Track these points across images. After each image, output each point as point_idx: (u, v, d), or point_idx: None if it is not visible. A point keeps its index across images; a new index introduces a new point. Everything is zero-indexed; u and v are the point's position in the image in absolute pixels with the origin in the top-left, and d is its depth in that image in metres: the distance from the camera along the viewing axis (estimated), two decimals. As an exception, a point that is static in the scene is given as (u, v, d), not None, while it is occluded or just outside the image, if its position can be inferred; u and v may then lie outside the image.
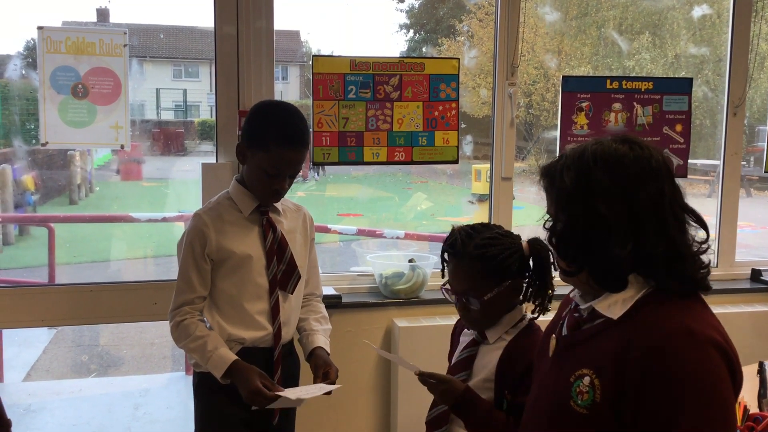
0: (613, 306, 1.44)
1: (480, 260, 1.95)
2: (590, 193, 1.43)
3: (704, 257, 1.47)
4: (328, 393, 2.14)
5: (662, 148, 3.35)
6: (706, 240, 1.48)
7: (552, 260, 1.97)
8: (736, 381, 1.37)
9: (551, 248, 1.57)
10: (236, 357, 2.16)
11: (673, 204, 1.44)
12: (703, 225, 1.48)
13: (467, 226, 2.06)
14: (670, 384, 1.31)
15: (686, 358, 1.32)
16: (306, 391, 2.16)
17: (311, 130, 3.13)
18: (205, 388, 2.27)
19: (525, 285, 2.03)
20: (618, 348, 1.38)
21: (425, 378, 1.97)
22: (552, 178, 1.51)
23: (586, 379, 1.42)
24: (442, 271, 2.07)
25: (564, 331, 1.58)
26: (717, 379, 1.32)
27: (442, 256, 2.07)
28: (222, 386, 2.16)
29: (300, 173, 2.31)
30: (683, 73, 11.56)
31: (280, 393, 2.08)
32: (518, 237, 2.03)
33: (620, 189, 1.42)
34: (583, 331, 1.52)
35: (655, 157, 1.45)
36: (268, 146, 2.16)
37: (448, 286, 2.06)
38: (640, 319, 1.40)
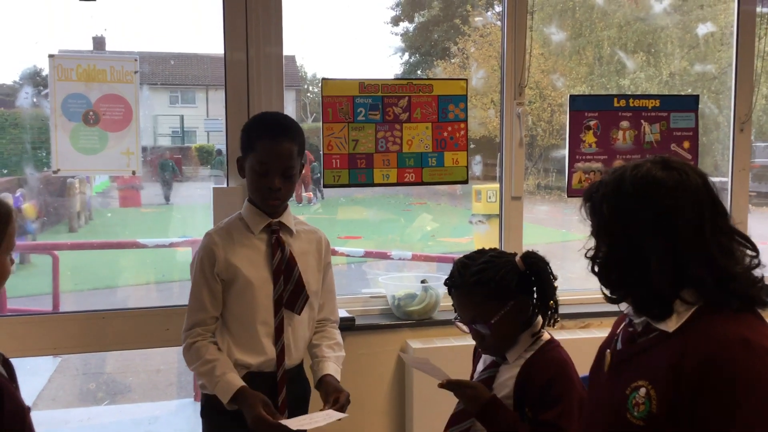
0: (668, 320, 1.45)
1: (478, 286, 1.97)
2: (629, 227, 1.45)
3: (757, 272, 1.47)
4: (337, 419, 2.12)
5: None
6: (757, 255, 1.48)
7: (550, 271, 2.00)
8: None
9: (595, 275, 1.56)
10: (243, 384, 2.16)
11: (715, 230, 1.44)
12: (751, 244, 1.49)
13: (464, 256, 2.08)
14: (725, 392, 1.32)
15: (742, 366, 1.33)
16: (312, 419, 2.14)
17: (321, 152, 3.13)
18: (212, 409, 2.26)
19: (531, 301, 2.03)
20: (673, 359, 1.39)
21: (451, 386, 1.98)
22: (593, 204, 1.54)
23: (642, 391, 1.43)
24: (454, 306, 2.09)
25: (619, 346, 1.59)
26: None
27: (449, 291, 2.09)
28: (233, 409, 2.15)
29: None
30: (688, 91, 11.63)
31: (283, 421, 2.06)
32: (513, 255, 2.04)
33: (659, 223, 1.43)
34: (638, 344, 1.52)
35: (693, 181, 1.45)
36: (254, 145, 2.22)
37: (459, 320, 2.08)
38: (695, 330, 1.41)
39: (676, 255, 1.42)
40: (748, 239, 1.49)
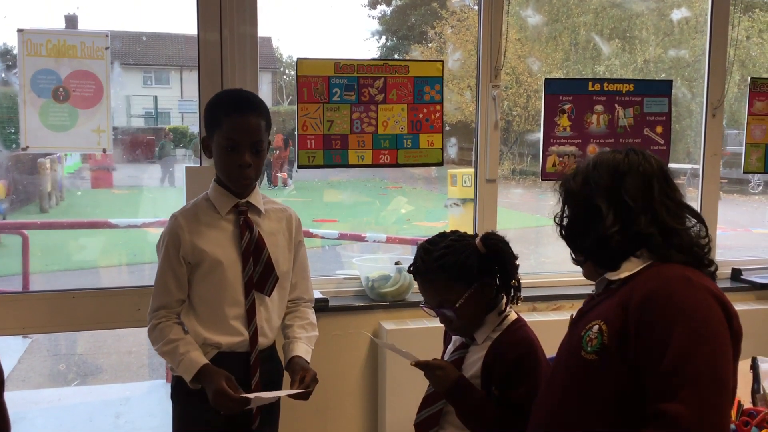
0: (621, 273, 1.62)
1: (441, 272, 2.00)
2: (589, 190, 1.67)
3: (705, 244, 1.64)
4: (303, 398, 2.12)
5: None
6: (706, 230, 1.66)
7: (510, 251, 2.06)
8: (733, 328, 1.49)
9: (562, 239, 1.76)
10: (207, 361, 2.13)
11: (664, 198, 1.63)
12: (699, 218, 1.67)
13: (425, 241, 2.11)
14: (664, 314, 1.47)
15: (681, 296, 1.48)
16: (273, 394, 2.15)
17: (296, 133, 3.11)
18: (182, 391, 2.22)
19: (494, 281, 2.06)
20: (623, 298, 1.55)
21: (421, 366, 2.02)
22: (566, 185, 1.75)
23: (595, 328, 1.57)
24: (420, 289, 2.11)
25: (581, 308, 1.76)
26: (710, 315, 1.46)
27: (414, 277, 2.12)
28: (201, 390, 2.12)
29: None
30: (662, 77, 11.70)
31: (244, 395, 2.04)
32: (473, 237, 2.07)
33: (612, 182, 1.65)
34: (593, 301, 1.70)
35: (648, 160, 1.67)
36: (220, 122, 2.15)
37: (425, 304, 2.10)
38: (642, 276, 1.58)
39: (626, 212, 1.61)
40: (696, 212, 1.67)
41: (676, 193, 1.66)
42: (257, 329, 2.23)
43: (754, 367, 2.37)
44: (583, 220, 1.68)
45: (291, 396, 2.11)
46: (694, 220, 1.66)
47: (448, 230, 2.15)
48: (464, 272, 1.99)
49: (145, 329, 2.27)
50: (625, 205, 1.61)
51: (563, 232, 1.75)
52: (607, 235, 1.61)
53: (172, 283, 2.20)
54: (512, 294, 2.05)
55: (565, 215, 1.74)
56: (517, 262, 2.06)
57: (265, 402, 2.14)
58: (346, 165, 3.19)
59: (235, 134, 2.14)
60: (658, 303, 1.47)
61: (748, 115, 3.76)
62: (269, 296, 2.26)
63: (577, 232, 1.72)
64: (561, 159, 3.44)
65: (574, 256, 1.76)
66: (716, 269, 1.65)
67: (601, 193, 1.64)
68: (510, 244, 2.07)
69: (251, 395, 2.05)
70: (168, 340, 2.17)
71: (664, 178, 1.65)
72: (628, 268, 1.61)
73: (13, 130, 3.08)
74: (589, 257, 1.71)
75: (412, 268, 2.10)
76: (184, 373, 2.13)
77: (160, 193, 11.03)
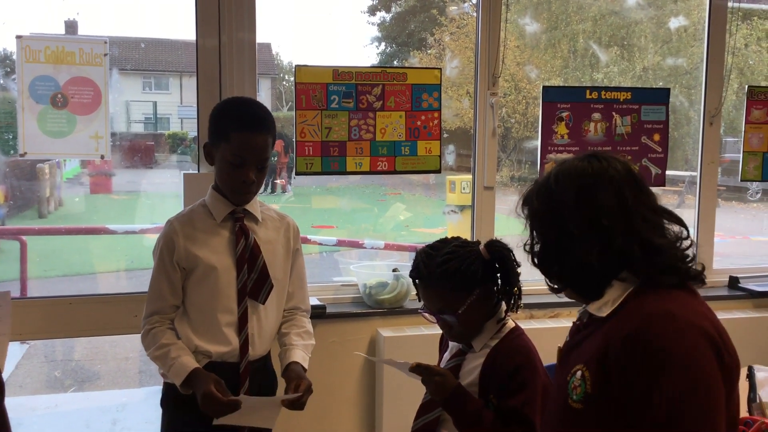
0: (604, 306, 1.50)
1: (444, 278, 1.98)
2: (555, 211, 1.52)
3: (689, 252, 1.52)
4: (297, 408, 2.10)
5: (630, 158, 3.41)
6: (687, 236, 1.53)
7: (514, 258, 2.02)
8: (724, 363, 1.38)
9: (535, 267, 1.62)
10: (197, 365, 2.12)
11: (639, 206, 1.48)
12: (679, 221, 1.54)
13: (426, 246, 2.09)
14: (647, 362, 1.34)
15: (663, 338, 1.35)
16: (262, 399, 2.14)
17: (294, 140, 3.12)
18: (171, 399, 2.23)
19: (495, 288, 2.05)
20: (604, 339, 1.44)
21: (420, 369, 1.99)
22: (528, 204, 1.60)
23: (578, 374, 1.47)
24: (417, 295, 2.10)
25: (567, 338, 1.65)
26: (695, 355, 1.34)
27: (413, 282, 2.10)
28: (189, 398, 2.11)
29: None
30: (660, 85, 11.73)
31: (235, 398, 2.02)
32: (477, 244, 2.06)
33: (579, 200, 1.49)
34: (580, 334, 1.58)
35: (613, 167, 1.52)
36: (228, 135, 2.14)
37: (425, 310, 2.09)
38: (625, 311, 1.45)
39: (600, 229, 1.46)
40: (675, 216, 1.54)
41: (650, 198, 1.53)
42: (248, 338, 2.22)
43: (751, 376, 2.37)
44: (556, 244, 1.53)
45: (284, 403, 2.10)
46: (675, 226, 1.53)
47: (447, 236, 2.14)
48: (468, 278, 1.97)
49: (142, 335, 2.27)
50: (600, 222, 1.46)
51: (535, 261, 1.59)
52: (586, 261, 1.47)
53: (166, 288, 2.21)
54: (513, 301, 2.04)
55: (535, 241, 1.59)
56: (520, 270, 2.04)
57: (255, 422, 2.11)
58: (344, 172, 3.20)
59: (243, 152, 2.14)
60: (639, 348, 1.35)
61: (745, 123, 3.77)
62: (263, 304, 2.25)
63: (551, 258, 1.56)
64: (559, 166, 3.44)
65: (550, 284, 1.60)
66: (704, 279, 1.52)
67: (571, 212, 1.49)
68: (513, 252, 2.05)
69: (240, 398, 2.04)
70: (160, 344, 2.16)
71: (634, 183, 1.51)
72: (612, 298, 1.48)
73: (11, 136, 3.09)
74: (567, 285, 1.57)
75: (413, 273, 2.08)
76: (175, 378, 2.12)
77: (161, 198, 11.01)
